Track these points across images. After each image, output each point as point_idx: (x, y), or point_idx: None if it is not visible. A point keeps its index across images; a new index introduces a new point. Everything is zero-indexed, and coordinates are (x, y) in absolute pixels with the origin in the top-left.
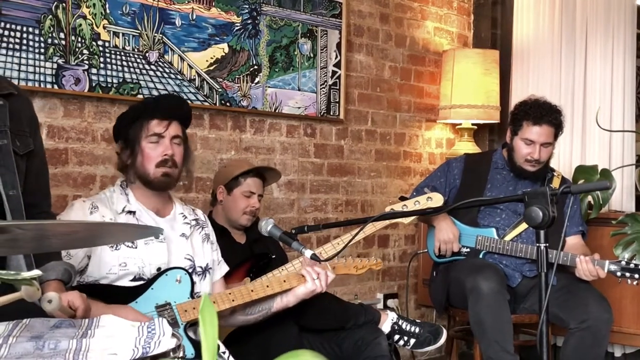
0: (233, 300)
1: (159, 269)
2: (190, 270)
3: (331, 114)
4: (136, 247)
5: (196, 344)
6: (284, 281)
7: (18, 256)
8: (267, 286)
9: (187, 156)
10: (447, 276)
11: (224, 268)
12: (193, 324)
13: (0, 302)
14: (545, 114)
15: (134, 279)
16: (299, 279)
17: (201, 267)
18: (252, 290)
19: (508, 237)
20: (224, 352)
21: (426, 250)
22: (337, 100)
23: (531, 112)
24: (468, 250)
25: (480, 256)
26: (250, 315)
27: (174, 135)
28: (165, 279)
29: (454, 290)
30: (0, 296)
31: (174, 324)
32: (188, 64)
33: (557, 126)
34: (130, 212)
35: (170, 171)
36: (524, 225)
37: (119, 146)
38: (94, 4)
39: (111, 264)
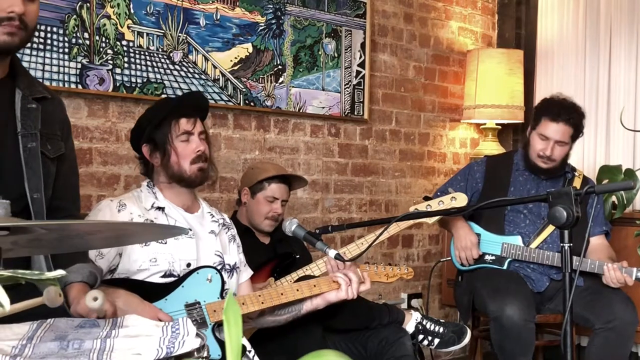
0: (262, 303)
1: (188, 264)
2: (220, 267)
3: (355, 113)
4: (165, 243)
5: (224, 345)
6: (314, 286)
7: (40, 259)
8: (297, 290)
9: (210, 151)
10: (472, 283)
11: (249, 272)
12: (221, 324)
13: (21, 307)
14: (563, 112)
15: (164, 275)
16: (330, 284)
17: (230, 265)
18: (281, 294)
19: (534, 244)
20: (249, 351)
21: (450, 258)
22: (361, 100)
23: (551, 108)
24: (493, 257)
25: (506, 264)
26: (280, 316)
27: (200, 131)
28: (196, 277)
29: (478, 301)
30: (22, 299)
31: (202, 323)
32: (212, 64)
33: (575, 127)
34: (159, 208)
35: (204, 166)
36: (548, 230)
37: (147, 148)
38: (118, 4)
39: (141, 260)
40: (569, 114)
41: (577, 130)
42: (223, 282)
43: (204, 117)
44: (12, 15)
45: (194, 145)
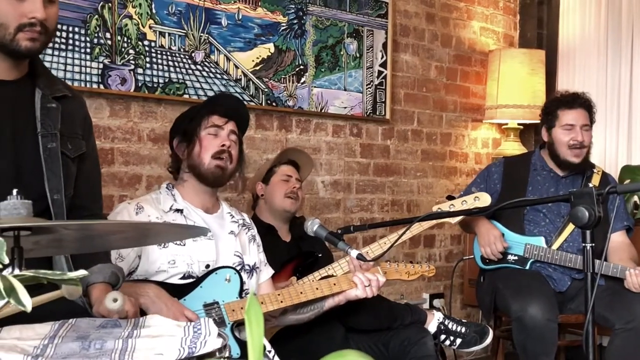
0: (281, 302)
1: (207, 265)
2: (239, 268)
3: (377, 114)
4: (184, 245)
5: (242, 344)
6: (334, 284)
7: (61, 259)
8: (317, 289)
9: (241, 157)
10: (493, 282)
11: (270, 270)
12: (240, 324)
13: (41, 300)
14: (576, 98)
15: (183, 277)
16: (349, 283)
17: (249, 265)
18: (301, 293)
19: (555, 245)
20: (269, 351)
21: (472, 256)
22: (383, 100)
23: (562, 99)
24: (516, 257)
25: (528, 265)
26: (303, 314)
27: (231, 130)
28: (215, 278)
29: (500, 302)
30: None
31: (221, 323)
32: (234, 64)
33: (589, 109)
34: (177, 210)
35: (224, 164)
36: (569, 229)
37: (177, 140)
38: (140, 4)
39: (160, 261)
40: (579, 98)
41: (591, 113)
42: (242, 282)
43: (241, 124)
44: (34, 21)
45: (220, 140)
